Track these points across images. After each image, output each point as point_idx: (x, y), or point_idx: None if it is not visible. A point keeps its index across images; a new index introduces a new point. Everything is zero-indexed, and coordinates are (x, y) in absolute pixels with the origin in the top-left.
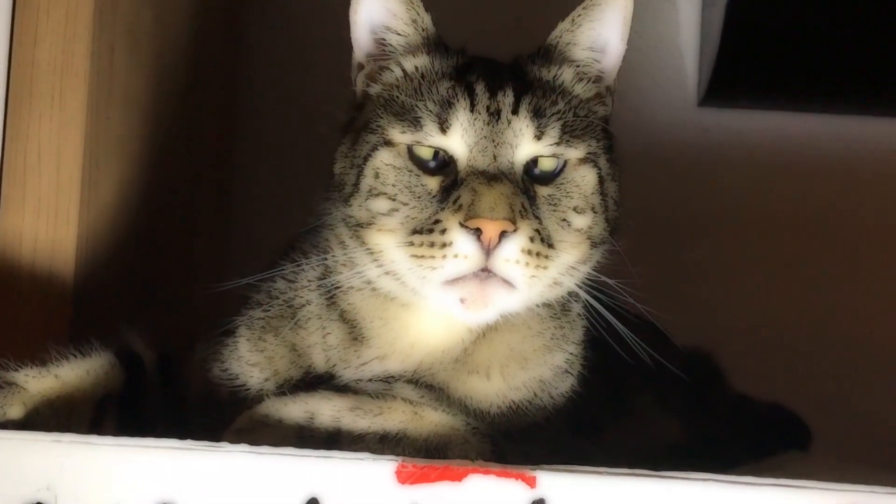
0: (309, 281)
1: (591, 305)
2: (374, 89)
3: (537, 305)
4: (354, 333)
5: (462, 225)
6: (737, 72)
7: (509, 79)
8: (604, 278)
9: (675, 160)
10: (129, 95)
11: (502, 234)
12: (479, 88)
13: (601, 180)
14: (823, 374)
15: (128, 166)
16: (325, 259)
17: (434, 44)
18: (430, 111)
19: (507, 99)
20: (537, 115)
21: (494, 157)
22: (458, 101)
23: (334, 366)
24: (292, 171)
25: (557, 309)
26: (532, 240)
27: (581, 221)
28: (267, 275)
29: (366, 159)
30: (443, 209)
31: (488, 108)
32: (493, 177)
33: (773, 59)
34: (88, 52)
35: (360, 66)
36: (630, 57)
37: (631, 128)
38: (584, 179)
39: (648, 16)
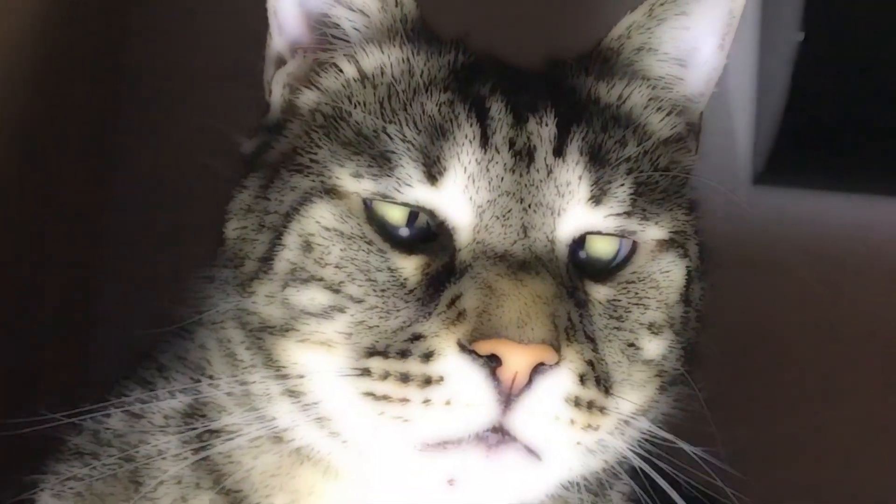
0: (166, 418)
1: (647, 484)
2: (307, 99)
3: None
4: None
5: (465, 348)
6: (807, 141)
7: (546, 96)
8: (681, 443)
9: (725, 251)
10: None
11: (536, 370)
12: (496, 108)
13: (689, 279)
14: None
15: None
16: (198, 383)
17: (415, 31)
18: (410, 142)
19: (545, 130)
20: (596, 160)
21: (524, 231)
22: (458, 127)
23: None
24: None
25: (594, 487)
26: (583, 380)
27: (655, 348)
28: (98, 408)
29: (288, 217)
30: (428, 316)
31: (512, 144)
32: (521, 265)
33: (856, 127)
34: None
35: (281, 61)
36: None
37: None
38: (668, 277)
39: None
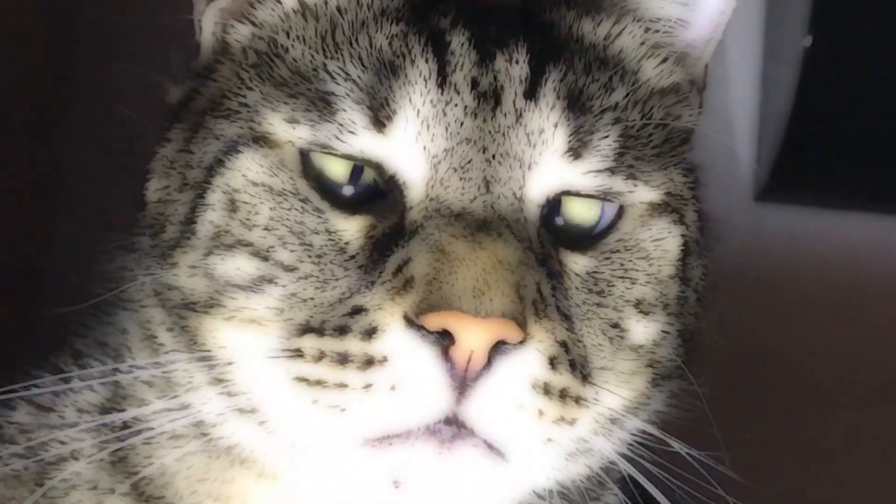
0: (80, 412)
1: (635, 493)
2: (239, 35)
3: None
4: None
5: (412, 323)
6: (812, 157)
7: (518, 31)
8: (677, 444)
9: (724, 271)
10: None
11: (496, 349)
12: (458, 42)
13: (686, 251)
14: None
15: None
16: (116, 372)
17: None
18: (354, 81)
19: (515, 68)
20: (575, 106)
21: (486, 186)
22: (411, 63)
23: None
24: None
25: (576, 498)
26: (554, 363)
27: (644, 331)
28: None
29: (212, 171)
30: (371, 285)
31: (475, 84)
32: (481, 224)
33: (864, 142)
34: None
35: None
36: None
37: None
38: (660, 246)
39: None
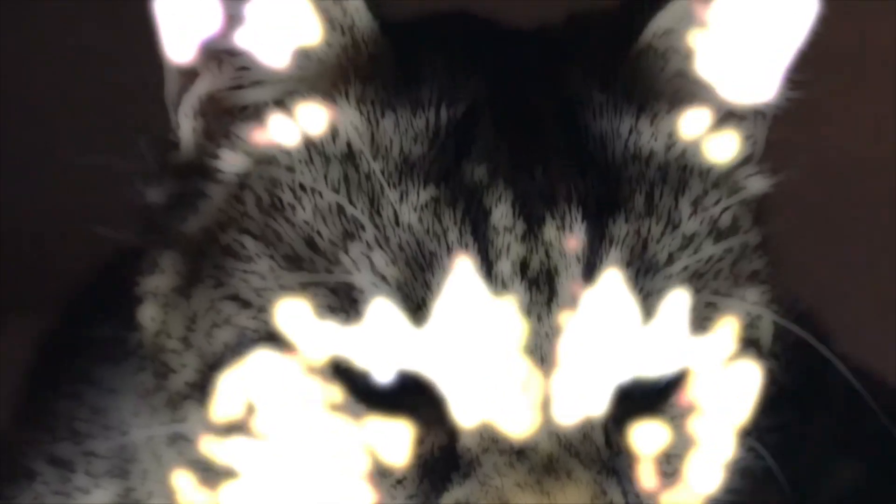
0: None
1: None
2: (228, 164)
3: None
4: None
5: None
6: None
7: (567, 170)
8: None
9: None
10: None
11: None
12: (501, 213)
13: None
14: None
15: None
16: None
17: (375, 62)
18: (383, 276)
19: (570, 240)
20: (641, 268)
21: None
22: (448, 251)
23: None
24: None
25: None
26: None
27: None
28: None
29: (221, 358)
30: None
31: (524, 269)
32: (546, 464)
33: None
34: None
35: (190, 74)
36: None
37: None
38: (739, 392)
39: None
